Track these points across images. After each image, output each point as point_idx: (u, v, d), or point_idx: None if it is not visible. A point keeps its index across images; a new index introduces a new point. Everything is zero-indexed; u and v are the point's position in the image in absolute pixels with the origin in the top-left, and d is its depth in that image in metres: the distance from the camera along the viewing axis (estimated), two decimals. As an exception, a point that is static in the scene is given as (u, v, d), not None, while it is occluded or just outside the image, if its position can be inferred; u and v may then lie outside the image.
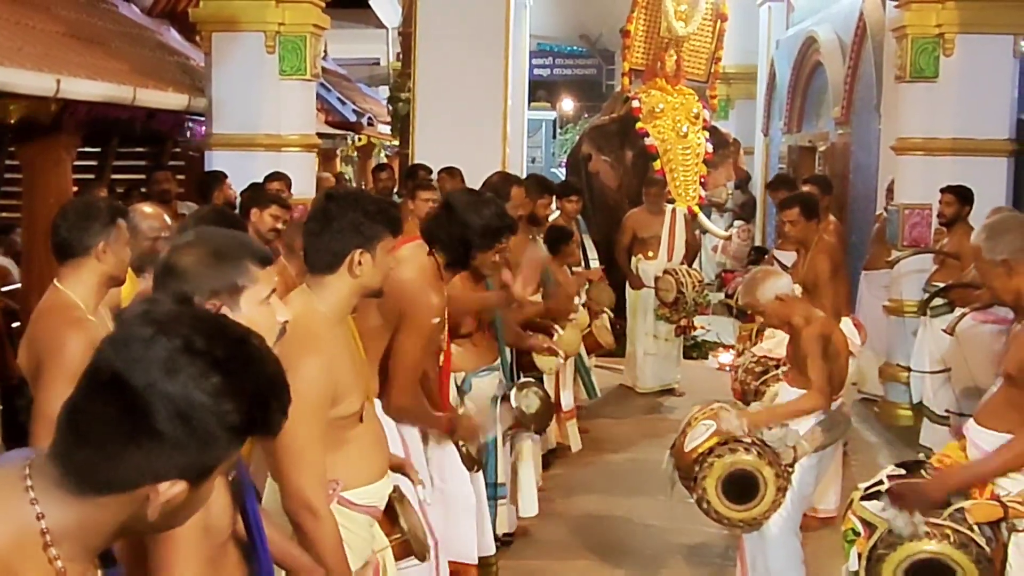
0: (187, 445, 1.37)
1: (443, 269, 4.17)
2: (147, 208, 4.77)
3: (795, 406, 4.66)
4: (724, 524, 4.67)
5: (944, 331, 6.54)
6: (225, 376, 1.39)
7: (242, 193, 6.77)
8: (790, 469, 4.52)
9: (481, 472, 4.74)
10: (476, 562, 4.60)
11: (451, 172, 7.85)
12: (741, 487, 4.46)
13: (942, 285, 7.12)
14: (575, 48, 23.44)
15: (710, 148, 11.14)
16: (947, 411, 6.97)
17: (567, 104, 26.62)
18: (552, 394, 6.55)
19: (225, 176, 7.56)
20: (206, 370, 1.38)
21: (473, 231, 4.16)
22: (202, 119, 8.87)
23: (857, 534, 3.53)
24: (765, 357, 6.26)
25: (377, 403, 3.79)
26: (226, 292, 2.35)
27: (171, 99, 8.34)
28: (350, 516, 2.99)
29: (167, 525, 1.50)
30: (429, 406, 4.20)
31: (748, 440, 4.50)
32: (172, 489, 1.40)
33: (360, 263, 2.97)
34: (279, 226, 5.84)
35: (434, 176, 8.09)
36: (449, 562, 4.17)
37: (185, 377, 1.36)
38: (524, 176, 7.56)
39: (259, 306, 2.38)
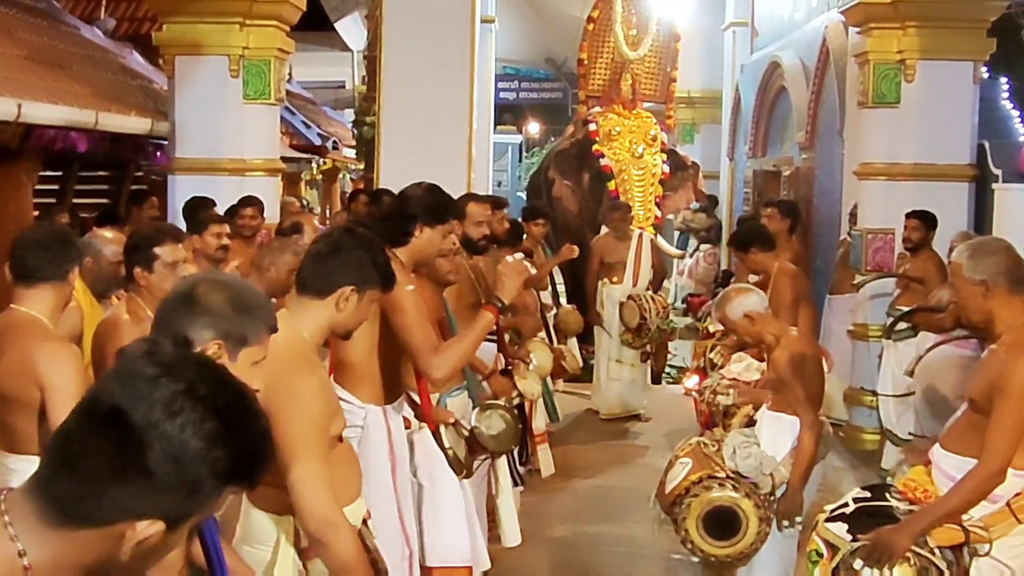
0: (174, 487, 1.39)
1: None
2: (108, 233, 4.78)
3: (804, 446, 4.56)
4: (713, 562, 4.64)
5: (905, 373, 6.60)
6: (222, 424, 1.41)
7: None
8: (771, 498, 4.53)
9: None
10: (469, 563, 4.43)
11: None
12: (722, 523, 4.47)
13: (906, 309, 7.19)
14: (541, 72, 23.53)
15: (667, 169, 11.29)
16: (911, 434, 7.05)
17: (533, 127, 26.69)
18: (526, 417, 6.57)
19: (214, 203, 7.50)
20: (205, 416, 1.39)
21: (416, 204, 4.20)
22: (165, 143, 8.84)
23: (820, 555, 3.57)
24: (736, 380, 6.28)
25: (375, 410, 3.83)
26: (235, 341, 2.42)
27: (134, 123, 8.31)
28: None
29: (137, 569, 1.49)
30: (452, 341, 4.16)
31: (723, 474, 4.51)
32: (149, 529, 1.40)
33: (347, 300, 3.07)
34: (224, 242, 5.89)
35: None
36: (438, 569, 4.19)
37: (184, 420, 1.38)
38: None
39: (250, 367, 2.44)
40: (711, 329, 7.24)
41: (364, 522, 3.28)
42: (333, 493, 2.84)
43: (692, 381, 9.99)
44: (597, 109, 11.71)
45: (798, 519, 4.55)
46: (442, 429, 4.36)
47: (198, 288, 2.47)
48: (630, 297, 9.23)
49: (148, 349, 1.47)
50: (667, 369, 11.13)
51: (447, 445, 4.34)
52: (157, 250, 4.08)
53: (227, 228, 6.06)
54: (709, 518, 4.47)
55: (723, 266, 14.95)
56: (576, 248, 8.77)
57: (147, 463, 1.37)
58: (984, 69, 8.45)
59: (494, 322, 4.11)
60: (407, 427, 4.17)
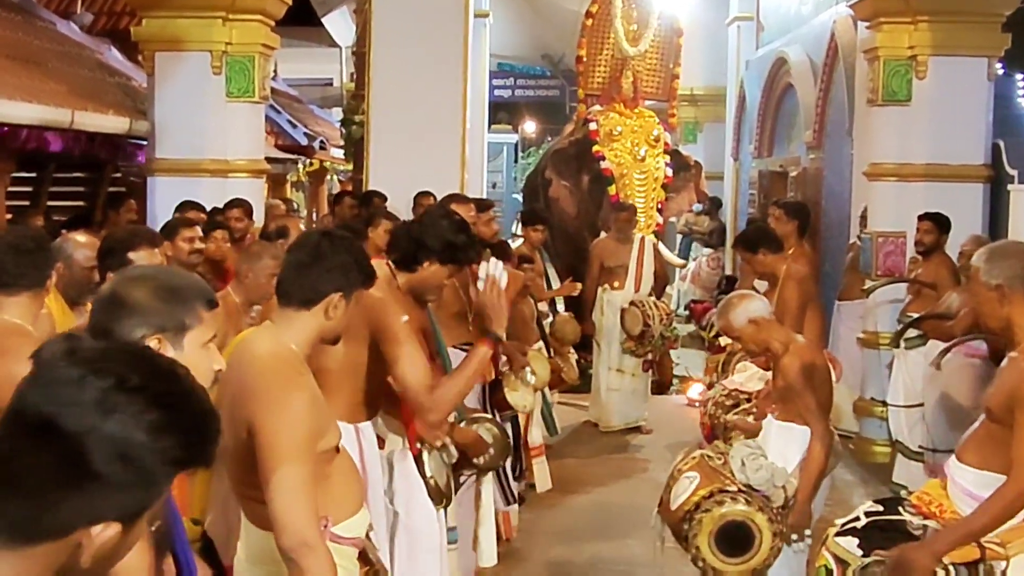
0: (128, 486, 1.38)
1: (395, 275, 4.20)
2: (81, 237, 4.75)
3: (814, 456, 4.56)
4: None
5: (932, 364, 6.58)
6: (163, 412, 1.39)
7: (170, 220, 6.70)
8: (783, 511, 4.53)
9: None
10: None
11: (427, 195, 7.97)
12: (735, 539, 4.46)
13: (915, 316, 7.18)
14: (537, 68, 23.53)
15: (669, 173, 11.26)
16: (920, 447, 7.04)
17: (529, 126, 26.72)
18: (521, 430, 6.56)
19: (203, 208, 7.47)
20: (144, 407, 1.38)
21: (435, 238, 4.20)
22: (144, 143, 8.82)
23: (830, 571, 3.56)
24: (736, 391, 6.28)
25: (347, 428, 3.79)
26: (173, 330, 2.40)
27: (111, 122, 8.30)
28: (340, 551, 3.03)
29: (99, 571, 1.47)
30: (447, 378, 4.11)
31: (734, 488, 4.50)
32: (105, 532, 1.39)
33: (336, 307, 3.09)
34: (197, 246, 5.88)
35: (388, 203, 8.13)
36: None
37: (122, 416, 1.36)
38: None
39: (200, 349, 2.44)
40: (722, 343, 7.21)
41: (367, 535, 3.29)
42: (314, 510, 2.83)
43: (695, 391, 10.04)
44: (597, 108, 11.69)
45: (807, 533, 4.53)
46: (424, 455, 4.32)
47: (118, 289, 2.45)
48: (632, 303, 9.21)
49: (67, 348, 1.44)
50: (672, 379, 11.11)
51: (428, 473, 4.29)
52: (132, 255, 4.05)
53: (199, 232, 6.03)
54: (721, 534, 4.46)
55: (727, 271, 14.95)
56: (579, 285, 8.76)
57: (93, 467, 1.35)
58: (999, 65, 8.45)
59: (491, 356, 4.09)
60: (380, 447, 4.13)
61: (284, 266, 3.20)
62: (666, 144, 11.46)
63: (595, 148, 11.19)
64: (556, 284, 9.04)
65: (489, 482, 5.57)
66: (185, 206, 7.23)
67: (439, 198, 7.81)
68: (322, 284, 3.07)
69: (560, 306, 9.06)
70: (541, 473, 7.19)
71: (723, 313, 4.86)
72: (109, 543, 1.40)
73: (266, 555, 3.01)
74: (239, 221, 7.32)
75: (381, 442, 4.15)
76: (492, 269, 3.93)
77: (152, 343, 2.35)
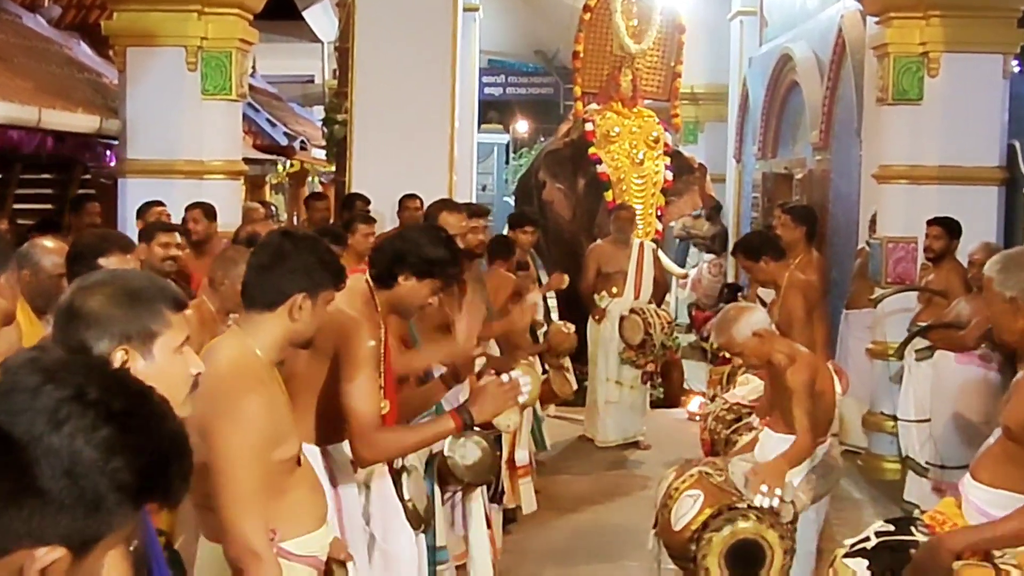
0: (72, 506, 1.34)
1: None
2: (48, 242, 4.73)
3: (791, 455, 4.64)
4: None
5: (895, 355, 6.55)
6: (118, 429, 1.36)
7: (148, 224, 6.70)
8: (792, 527, 4.54)
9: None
10: None
11: (413, 199, 7.97)
12: (746, 558, 4.48)
13: (923, 325, 7.19)
14: (530, 65, 23.60)
15: (669, 176, 11.23)
16: (928, 463, 7.05)
17: (521, 126, 26.78)
18: (507, 448, 6.54)
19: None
20: (97, 421, 1.35)
21: (411, 250, 4.14)
22: (115, 143, 8.81)
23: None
24: (738, 404, 6.29)
25: (312, 449, 3.78)
26: (138, 338, 2.35)
27: (81, 121, 8.28)
28: (290, 568, 3.03)
29: None
30: (402, 428, 4.12)
31: (743, 505, 4.51)
32: (49, 555, 1.35)
33: (301, 308, 3.12)
34: (173, 252, 5.86)
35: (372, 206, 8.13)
36: None
37: (72, 428, 1.34)
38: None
39: (172, 354, 2.39)
40: (728, 355, 7.21)
41: (343, 563, 3.32)
42: (263, 520, 2.87)
43: (695, 404, 10.04)
44: (594, 106, 11.69)
45: (778, 491, 4.51)
46: (403, 478, 4.31)
47: (74, 299, 2.39)
48: (632, 311, 9.20)
49: (31, 357, 1.43)
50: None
51: (406, 496, 4.28)
52: (102, 261, 4.03)
53: (177, 238, 6.03)
54: (732, 553, 4.47)
55: (729, 278, 14.96)
56: (566, 276, 8.74)
57: (38, 481, 1.33)
58: (1015, 62, 8.46)
59: (453, 432, 4.05)
60: (354, 471, 4.10)
61: (247, 269, 3.24)
62: (667, 145, 11.43)
63: (591, 151, 11.16)
64: (550, 292, 9.03)
65: (479, 499, 5.56)
66: (151, 206, 7.24)
67: (425, 201, 7.80)
68: (285, 285, 3.11)
69: (555, 315, 9.05)
70: (527, 494, 7.17)
71: (722, 329, 4.83)
72: (55, 570, 1.36)
73: (215, 569, 3.01)
74: (196, 223, 7.26)
75: (354, 465, 4.09)
76: (521, 380, 3.92)
77: (118, 355, 2.30)
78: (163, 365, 2.33)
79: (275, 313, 3.11)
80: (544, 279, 9.02)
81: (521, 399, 4.02)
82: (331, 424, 3.95)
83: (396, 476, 4.30)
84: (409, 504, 4.33)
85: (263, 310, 3.12)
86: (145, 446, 1.39)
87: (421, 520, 4.42)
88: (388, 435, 3.88)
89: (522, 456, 7.07)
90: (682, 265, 15.14)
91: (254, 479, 2.87)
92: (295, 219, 16.19)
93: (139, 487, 1.39)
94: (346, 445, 4.00)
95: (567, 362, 8.69)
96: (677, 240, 15.82)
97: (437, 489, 4.96)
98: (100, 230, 6.15)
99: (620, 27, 11.40)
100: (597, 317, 9.38)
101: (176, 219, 7.23)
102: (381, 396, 3.99)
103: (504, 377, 3.96)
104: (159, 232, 5.93)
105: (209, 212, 7.40)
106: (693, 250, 16.20)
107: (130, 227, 7.39)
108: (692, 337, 13.83)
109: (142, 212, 7.36)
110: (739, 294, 13.97)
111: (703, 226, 15.34)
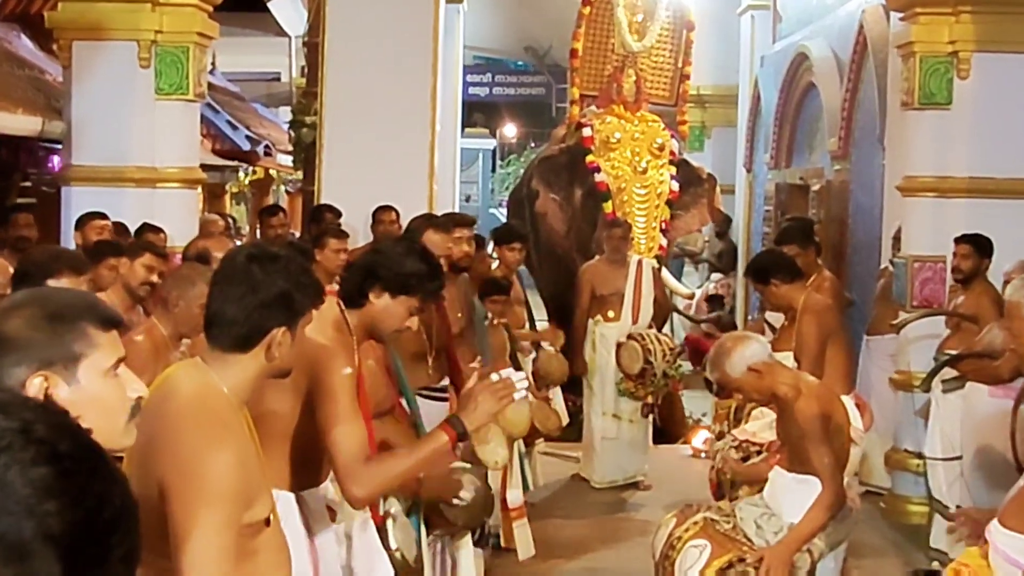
0: None
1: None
2: (-11, 260, 4.72)
3: (815, 520, 4.61)
4: None
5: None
6: (59, 472, 1.34)
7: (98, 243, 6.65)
8: None
9: None
10: None
11: (388, 211, 7.98)
12: None
13: (953, 353, 7.18)
14: (519, 63, 23.68)
15: (675, 187, 11.23)
16: (958, 507, 7.04)
17: (509, 130, 26.86)
18: (498, 487, 6.51)
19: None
20: (37, 458, 1.33)
21: (383, 265, 4.09)
22: (59, 147, 8.80)
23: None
24: (747, 442, 6.27)
25: (286, 496, 3.75)
26: (61, 362, 2.28)
27: (20, 122, 8.27)
28: None
29: None
30: (390, 454, 4.05)
31: (757, 555, 4.51)
32: None
33: (280, 344, 2.98)
34: (153, 279, 5.83)
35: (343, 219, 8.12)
36: None
37: (8, 459, 1.33)
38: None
39: (103, 378, 2.33)
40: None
41: None
42: None
43: (700, 439, 10.03)
44: (593, 110, 11.70)
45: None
46: (388, 525, 4.27)
47: None
48: (630, 336, 9.16)
49: None
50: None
51: (394, 546, 4.25)
52: (51, 282, 4.01)
53: (163, 265, 5.99)
54: None
55: (739, 299, 14.96)
56: (562, 334, 8.69)
57: None
58: (1052, 64, 8.51)
59: (448, 450, 3.99)
60: (332, 520, 4.06)
61: (210, 300, 3.06)
62: (672, 154, 11.43)
63: (589, 158, 11.15)
64: (540, 313, 9.02)
65: (468, 546, 5.51)
66: (91, 217, 7.24)
67: (402, 214, 7.79)
68: (260, 321, 2.97)
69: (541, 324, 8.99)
70: (523, 537, 7.12)
71: (716, 364, 4.78)
72: None
73: None
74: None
75: (332, 513, 4.06)
76: (514, 376, 3.87)
77: (36, 381, 2.24)
78: (92, 390, 2.27)
79: (250, 354, 2.97)
80: (532, 297, 8.94)
81: (518, 396, 3.94)
82: (305, 467, 3.89)
83: (381, 523, 4.28)
84: (397, 554, 4.29)
85: (235, 351, 2.97)
86: (84, 500, 1.36)
87: (411, 572, 4.38)
88: (378, 466, 3.76)
89: (515, 496, 7.02)
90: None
91: (225, 547, 2.75)
92: (258, 233, 16.16)
93: (69, 545, 1.35)
94: (322, 490, 3.98)
95: (554, 391, 8.66)
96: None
97: (424, 532, 4.93)
98: (51, 248, 6.10)
99: (622, 22, 11.42)
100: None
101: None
102: (364, 428, 3.95)
103: (493, 376, 3.88)
104: (147, 252, 5.90)
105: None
106: (695, 267, 16.19)
107: (74, 240, 7.35)
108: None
109: (81, 224, 7.30)
110: (722, 305, 14.01)
111: (697, 241, 15.29)
